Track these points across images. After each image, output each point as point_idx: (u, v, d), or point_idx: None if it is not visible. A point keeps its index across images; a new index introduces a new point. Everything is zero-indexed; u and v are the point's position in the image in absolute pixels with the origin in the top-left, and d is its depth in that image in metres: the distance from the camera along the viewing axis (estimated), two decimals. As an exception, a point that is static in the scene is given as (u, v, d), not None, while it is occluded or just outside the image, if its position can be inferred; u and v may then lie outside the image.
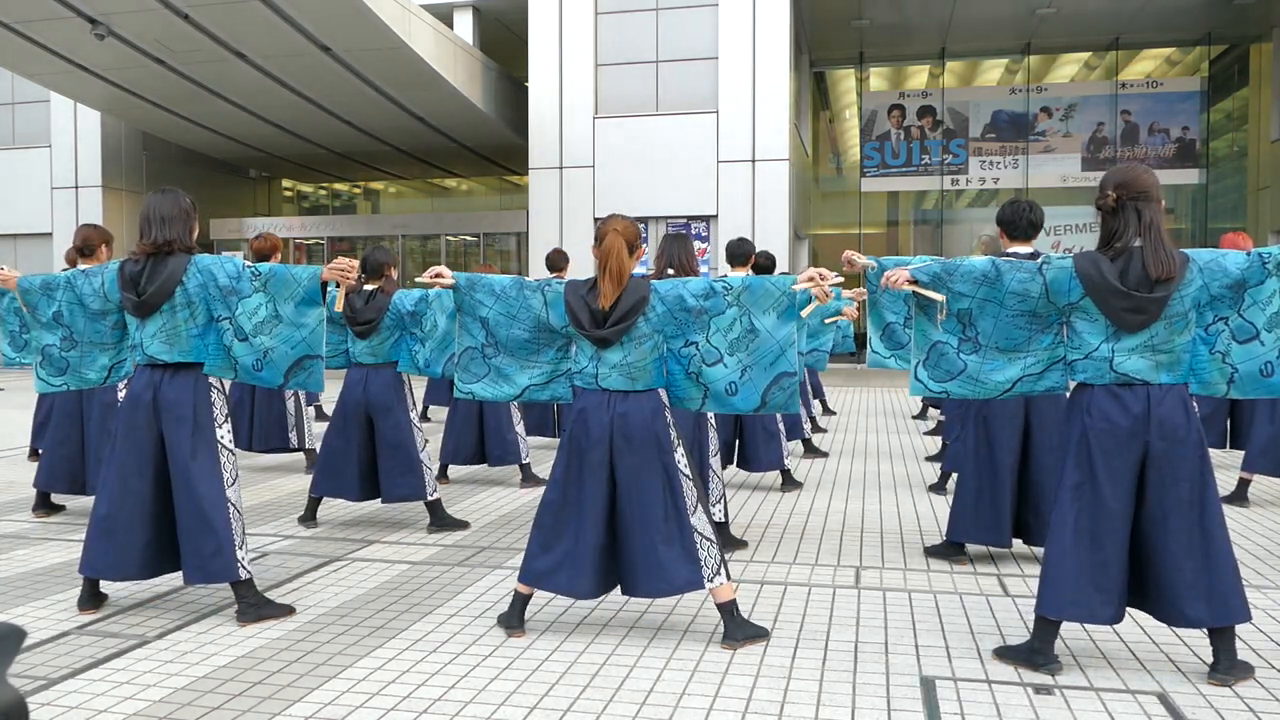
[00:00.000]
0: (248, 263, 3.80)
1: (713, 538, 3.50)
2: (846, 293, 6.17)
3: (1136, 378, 3.09)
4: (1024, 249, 4.54)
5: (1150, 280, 3.03)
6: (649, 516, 3.44)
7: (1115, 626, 3.50)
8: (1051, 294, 3.19)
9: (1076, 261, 3.15)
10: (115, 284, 3.81)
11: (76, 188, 19.33)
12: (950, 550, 4.67)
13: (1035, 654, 3.20)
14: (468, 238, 20.79)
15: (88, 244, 5.46)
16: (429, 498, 5.25)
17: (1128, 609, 3.20)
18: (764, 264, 7.33)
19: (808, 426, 8.08)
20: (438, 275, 3.63)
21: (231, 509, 3.73)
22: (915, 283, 3.39)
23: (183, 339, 3.74)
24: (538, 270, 15.90)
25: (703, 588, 3.44)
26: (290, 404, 6.99)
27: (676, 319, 3.48)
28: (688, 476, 3.51)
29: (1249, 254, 3.08)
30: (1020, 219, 4.52)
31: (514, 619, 3.59)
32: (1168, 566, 3.09)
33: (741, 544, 4.93)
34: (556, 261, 7.67)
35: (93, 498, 4.39)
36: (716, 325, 3.47)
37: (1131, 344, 3.09)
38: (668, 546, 3.42)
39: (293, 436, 7.00)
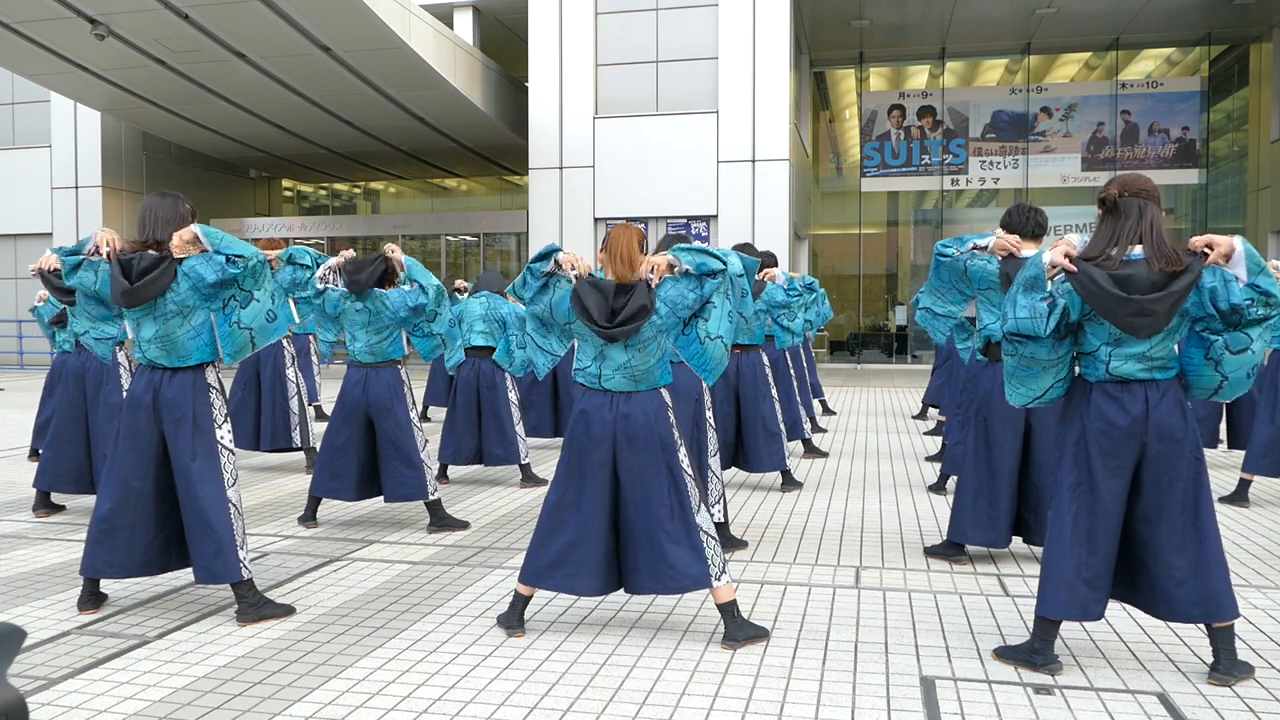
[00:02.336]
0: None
1: (716, 537, 3.51)
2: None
3: (1132, 379, 3.10)
4: (1032, 249, 4.48)
5: (1156, 281, 2.99)
6: (654, 516, 3.45)
7: (1115, 626, 3.50)
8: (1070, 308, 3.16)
9: (1073, 284, 3.06)
10: (107, 281, 3.79)
11: (76, 188, 19.33)
12: (950, 550, 4.67)
13: (1035, 654, 3.20)
14: (468, 238, 20.79)
15: None
16: (429, 498, 5.25)
17: (1125, 608, 3.20)
18: (767, 263, 7.29)
19: (808, 426, 8.08)
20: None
21: (232, 509, 3.74)
22: None
23: (180, 345, 3.76)
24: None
25: (710, 586, 3.44)
26: (294, 403, 7.02)
27: (679, 315, 3.51)
28: (691, 476, 3.52)
29: (1250, 287, 3.03)
30: (1026, 223, 4.51)
31: (514, 619, 3.59)
32: (1159, 565, 3.09)
33: (741, 544, 4.93)
34: None
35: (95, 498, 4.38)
36: (715, 301, 3.53)
37: (1130, 351, 3.09)
38: (675, 545, 3.43)
39: (296, 435, 7.02)
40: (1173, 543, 3.08)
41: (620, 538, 3.54)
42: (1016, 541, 4.67)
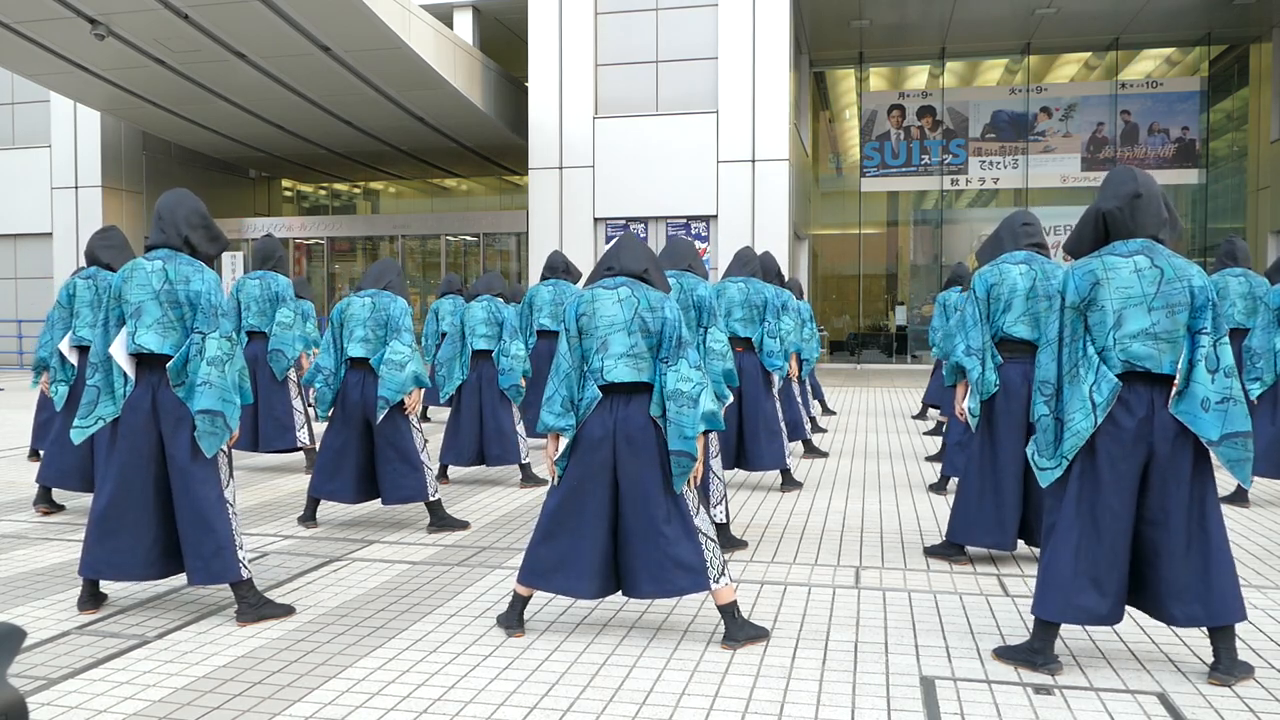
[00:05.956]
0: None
1: (715, 539, 3.51)
2: None
3: (1139, 365, 3.08)
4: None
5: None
6: (652, 518, 3.44)
7: (1115, 626, 3.50)
8: (1066, 296, 3.19)
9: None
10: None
11: (76, 188, 19.33)
12: (950, 550, 4.66)
13: (1035, 654, 3.20)
14: (468, 238, 20.78)
15: None
16: (429, 498, 5.24)
17: (1128, 607, 3.20)
18: (768, 265, 7.28)
19: (808, 426, 8.08)
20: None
21: (229, 509, 3.74)
22: None
23: (176, 332, 3.72)
24: (537, 271, 15.90)
25: (708, 589, 3.44)
26: (297, 403, 7.01)
27: (669, 334, 3.51)
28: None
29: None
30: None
31: (513, 619, 3.59)
32: (1166, 567, 3.09)
33: (741, 544, 4.93)
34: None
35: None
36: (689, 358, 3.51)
37: (1134, 329, 3.08)
38: (672, 548, 3.43)
39: (300, 435, 7.01)
40: (1179, 545, 3.07)
41: (619, 540, 3.54)
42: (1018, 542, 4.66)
